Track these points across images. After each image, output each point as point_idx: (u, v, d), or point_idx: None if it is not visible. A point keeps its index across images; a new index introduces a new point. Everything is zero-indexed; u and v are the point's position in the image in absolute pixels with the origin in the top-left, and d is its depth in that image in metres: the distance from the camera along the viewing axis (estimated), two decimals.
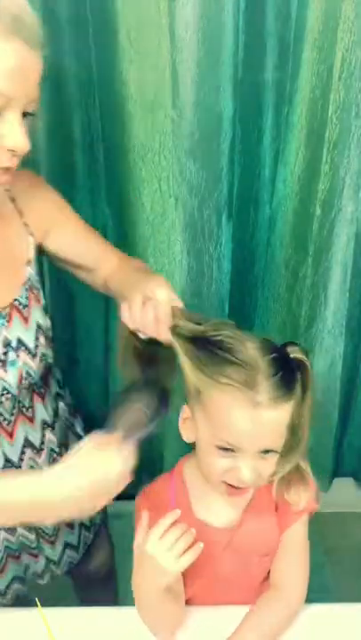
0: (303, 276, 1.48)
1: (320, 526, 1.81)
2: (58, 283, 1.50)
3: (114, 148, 1.34)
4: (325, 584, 1.63)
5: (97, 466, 0.76)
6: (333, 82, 1.27)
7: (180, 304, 0.81)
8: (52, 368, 1.04)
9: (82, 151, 1.37)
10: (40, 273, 0.97)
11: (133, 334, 0.81)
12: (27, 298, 0.90)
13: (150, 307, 0.78)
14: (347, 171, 1.37)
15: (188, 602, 0.87)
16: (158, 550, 0.74)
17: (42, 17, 1.18)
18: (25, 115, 0.74)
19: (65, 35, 1.24)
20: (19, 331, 0.88)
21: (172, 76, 1.24)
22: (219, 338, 0.76)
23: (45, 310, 0.95)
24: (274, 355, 0.75)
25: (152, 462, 1.75)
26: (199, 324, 0.79)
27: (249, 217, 1.47)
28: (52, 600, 1.24)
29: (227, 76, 1.27)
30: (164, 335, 0.77)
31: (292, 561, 0.88)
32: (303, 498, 0.85)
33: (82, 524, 1.14)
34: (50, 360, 0.96)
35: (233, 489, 0.79)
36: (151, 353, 0.82)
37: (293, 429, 0.77)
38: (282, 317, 1.56)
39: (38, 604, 0.77)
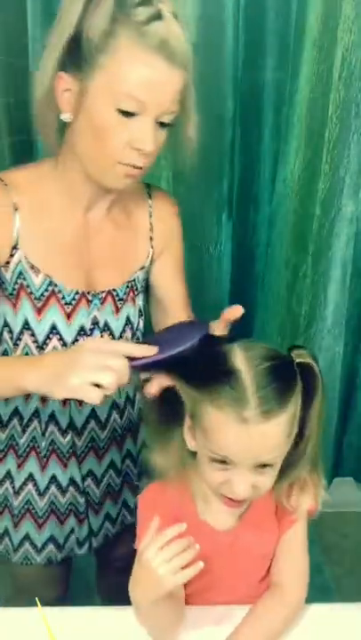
0: (303, 275, 1.49)
1: (320, 526, 1.81)
2: None
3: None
4: (325, 584, 1.63)
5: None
6: (333, 81, 1.27)
7: None
8: None
9: None
10: (145, 280, 1.03)
11: None
12: (125, 293, 0.99)
13: None
14: (347, 170, 1.38)
15: (186, 602, 0.87)
16: (157, 561, 0.72)
17: (42, 17, 1.20)
18: (162, 125, 0.83)
19: None
20: (108, 316, 0.97)
21: None
22: (213, 351, 0.74)
23: (140, 313, 1.02)
24: (267, 364, 0.71)
25: None
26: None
27: (249, 216, 1.47)
28: (52, 600, 1.24)
29: (227, 75, 1.27)
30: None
31: (293, 561, 0.87)
32: (304, 503, 0.83)
33: (125, 503, 1.16)
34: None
35: (230, 500, 0.77)
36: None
37: (300, 437, 0.74)
38: (282, 317, 1.56)
39: (38, 603, 0.76)
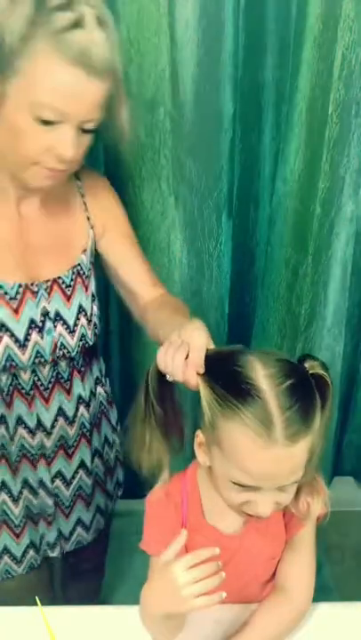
0: (303, 274, 1.48)
1: (319, 525, 1.80)
2: None
3: (113, 147, 1.34)
4: (325, 583, 1.63)
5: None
6: (333, 80, 1.26)
7: (212, 346, 0.76)
8: (95, 354, 1.12)
9: None
10: (94, 266, 1.03)
11: (161, 374, 0.77)
12: (72, 280, 0.97)
13: (183, 351, 0.74)
14: (347, 169, 1.37)
15: None
16: (183, 581, 0.70)
17: None
18: (85, 131, 0.83)
19: None
20: (58, 305, 0.96)
21: (172, 74, 1.24)
22: (232, 369, 0.71)
23: (93, 298, 1.01)
24: (289, 382, 0.68)
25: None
26: (218, 358, 0.74)
27: (249, 216, 1.47)
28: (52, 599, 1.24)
29: (227, 74, 1.26)
30: (193, 381, 0.73)
31: (299, 564, 0.86)
32: (315, 509, 0.81)
33: (98, 507, 1.16)
34: (90, 342, 1.02)
35: (251, 517, 0.75)
36: (171, 394, 0.79)
37: (313, 449, 0.72)
38: (282, 316, 1.56)
39: (38, 602, 0.76)
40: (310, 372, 0.71)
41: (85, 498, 1.13)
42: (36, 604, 0.76)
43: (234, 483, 0.72)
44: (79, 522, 1.13)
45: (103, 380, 1.16)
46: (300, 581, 0.86)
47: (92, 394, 1.09)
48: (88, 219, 1.02)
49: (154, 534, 0.84)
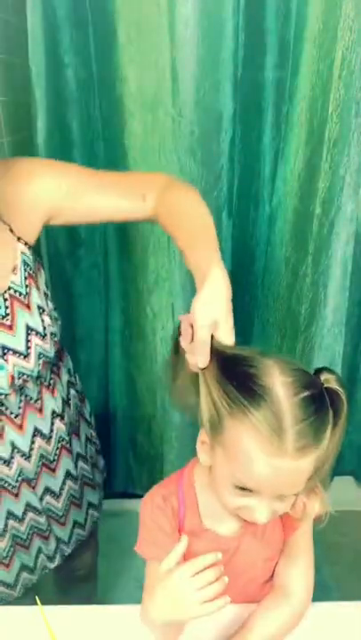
0: (303, 274, 1.49)
1: (319, 524, 1.80)
2: (58, 283, 1.50)
3: (114, 147, 1.34)
4: (324, 582, 1.63)
5: None
6: (333, 80, 1.27)
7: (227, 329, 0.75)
8: (61, 358, 1.04)
9: (82, 149, 1.37)
10: (30, 276, 0.92)
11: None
12: (7, 307, 0.88)
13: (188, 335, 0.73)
14: (347, 169, 1.38)
15: None
16: (186, 588, 0.69)
17: (42, 16, 1.20)
18: None
19: (65, 33, 1.24)
20: (1, 338, 0.88)
21: (172, 74, 1.24)
22: (249, 371, 0.68)
23: (41, 310, 0.92)
24: (305, 393, 0.66)
25: (152, 462, 1.75)
26: (233, 357, 0.71)
27: (249, 215, 1.47)
28: (52, 599, 1.24)
29: (227, 74, 1.27)
30: (194, 362, 0.72)
31: (298, 564, 0.86)
32: (312, 510, 0.80)
33: (90, 503, 1.15)
34: (51, 354, 0.95)
35: (246, 522, 0.74)
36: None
37: (319, 464, 0.70)
38: (282, 316, 1.56)
39: (39, 602, 0.76)
40: (325, 385, 0.70)
41: (77, 502, 1.12)
42: (36, 603, 0.76)
43: (235, 486, 0.70)
44: (75, 523, 1.13)
45: (73, 378, 1.10)
46: (298, 581, 0.86)
47: (65, 402, 1.04)
48: (11, 231, 0.88)
49: (150, 537, 0.83)
